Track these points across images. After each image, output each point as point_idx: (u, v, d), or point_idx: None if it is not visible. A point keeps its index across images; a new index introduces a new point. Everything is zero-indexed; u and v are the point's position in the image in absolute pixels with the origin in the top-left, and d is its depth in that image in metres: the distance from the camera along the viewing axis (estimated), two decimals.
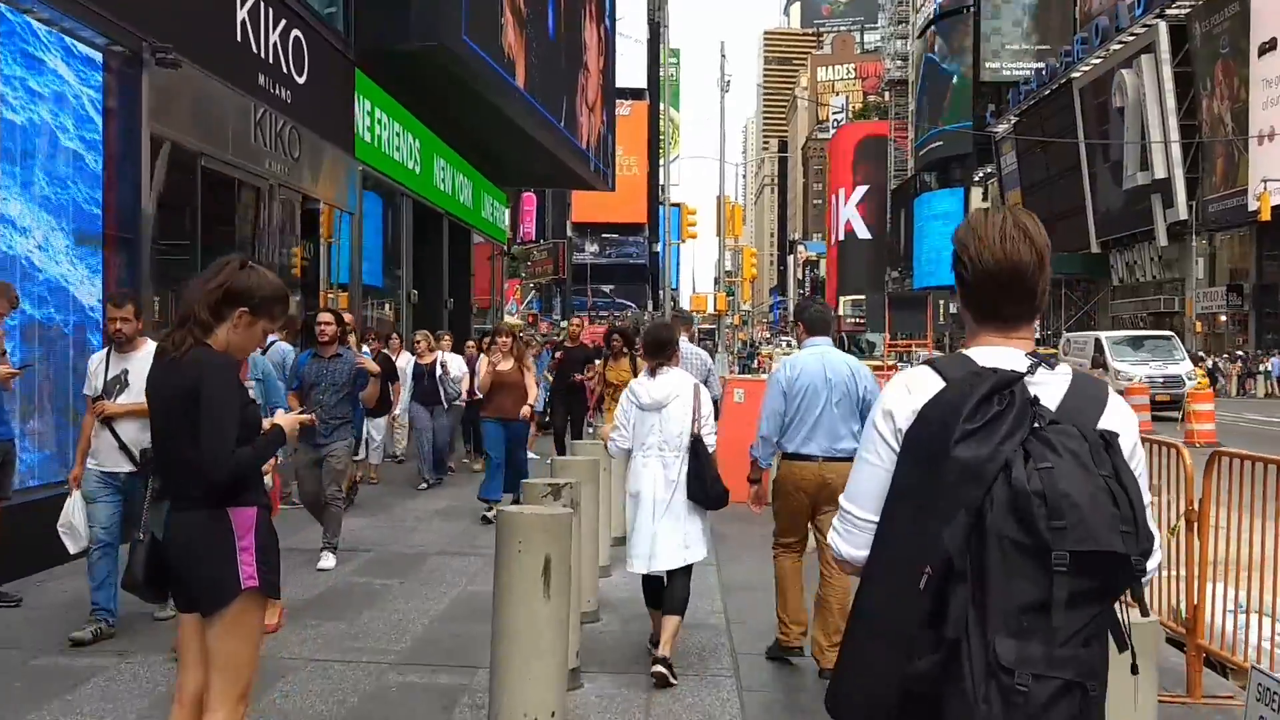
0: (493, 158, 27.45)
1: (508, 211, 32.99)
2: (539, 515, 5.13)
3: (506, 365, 12.48)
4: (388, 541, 11.22)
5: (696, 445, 7.11)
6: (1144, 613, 2.45)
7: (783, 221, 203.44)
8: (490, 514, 12.06)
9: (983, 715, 2.15)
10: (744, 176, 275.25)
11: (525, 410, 12.44)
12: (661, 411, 7.17)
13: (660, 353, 7.34)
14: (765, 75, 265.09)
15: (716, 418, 7.61)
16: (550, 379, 17.50)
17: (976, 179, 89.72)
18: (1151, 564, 2.27)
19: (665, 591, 7.10)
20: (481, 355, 14.22)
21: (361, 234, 18.00)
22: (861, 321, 71.17)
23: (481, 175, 27.61)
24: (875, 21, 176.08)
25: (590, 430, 15.37)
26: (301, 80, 15.09)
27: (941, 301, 59.40)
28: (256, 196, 14.29)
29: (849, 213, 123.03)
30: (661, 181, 53.23)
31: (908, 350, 51.44)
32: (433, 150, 22.28)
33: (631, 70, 68.48)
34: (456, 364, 15.70)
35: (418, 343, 15.60)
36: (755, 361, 53.58)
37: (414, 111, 20.67)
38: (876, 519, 2.43)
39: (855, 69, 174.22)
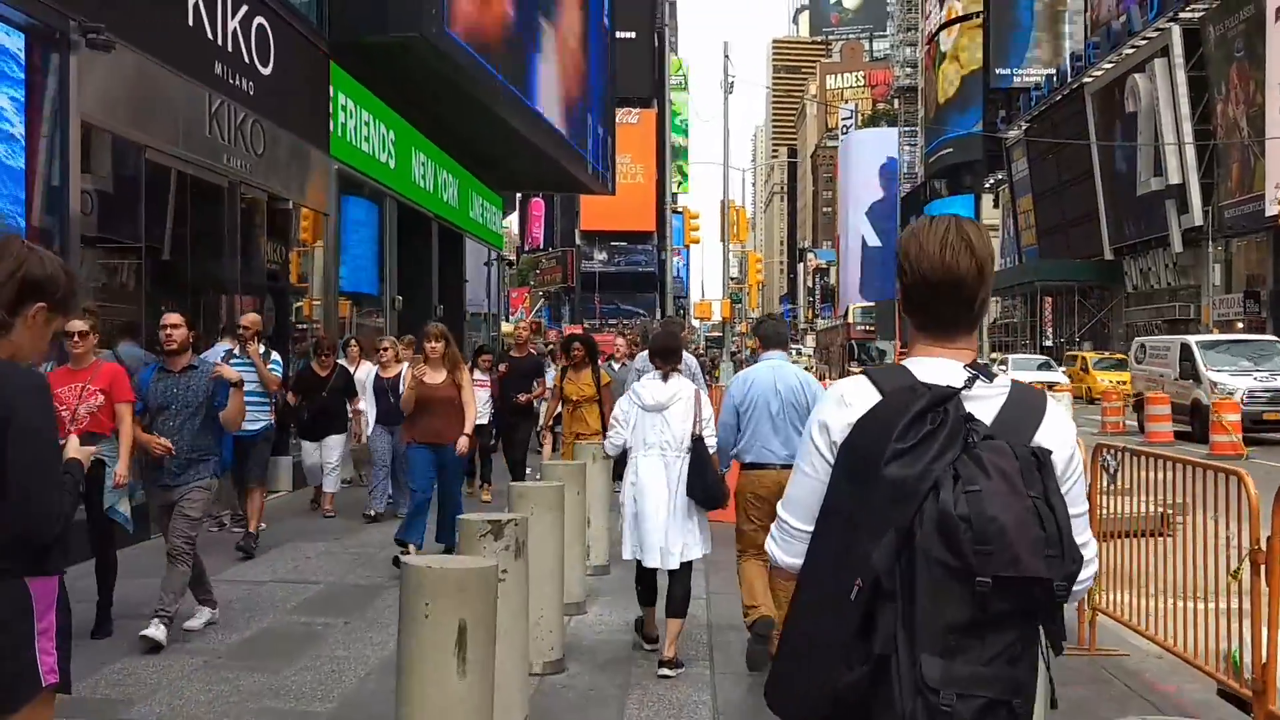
0: (484, 159, 26.46)
1: (513, 217, 31.99)
2: (451, 570, 4.08)
3: (437, 377, 10.15)
4: (340, 573, 10.13)
5: (698, 446, 7.37)
6: (1057, 650, 2.37)
7: (792, 229, 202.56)
8: (408, 555, 10.31)
9: None
10: (753, 185, 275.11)
11: (462, 442, 10.05)
12: (664, 413, 7.44)
13: (670, 358, 7.70)
14: (774, 83, 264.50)
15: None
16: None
17: (987, 185, 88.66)
18: (1081, 581, 2.37)
19: (668, 593, 7.40)
20: (405, 367, 11.72)
21: (338, 236, 16.95)
22: (872, 330, 70.00)
23: (473, 177, 26.62)
24: (884, 29, 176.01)
25: (530, 472, 12.97)
26: (267, 71, 14.09)
27: None
28: (214, 195, 13.27)
29: (858, 220, 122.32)
30: (666, 190, 52.46)
31: None
32: (418, 149, 21.29)
33: (640, 78, 67.33)
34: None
35: (383, 350, 13.27)
36: None
37: (396, 108, 19.70)
38: (811, 529, 2.47)
39: (864, 76, 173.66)
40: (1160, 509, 7.49)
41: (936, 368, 2.45)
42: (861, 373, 2.54)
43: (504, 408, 13.93)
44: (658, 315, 69.98)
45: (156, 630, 7.31)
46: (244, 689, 6.59)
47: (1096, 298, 65.12)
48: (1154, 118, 55.30)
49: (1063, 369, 45.21)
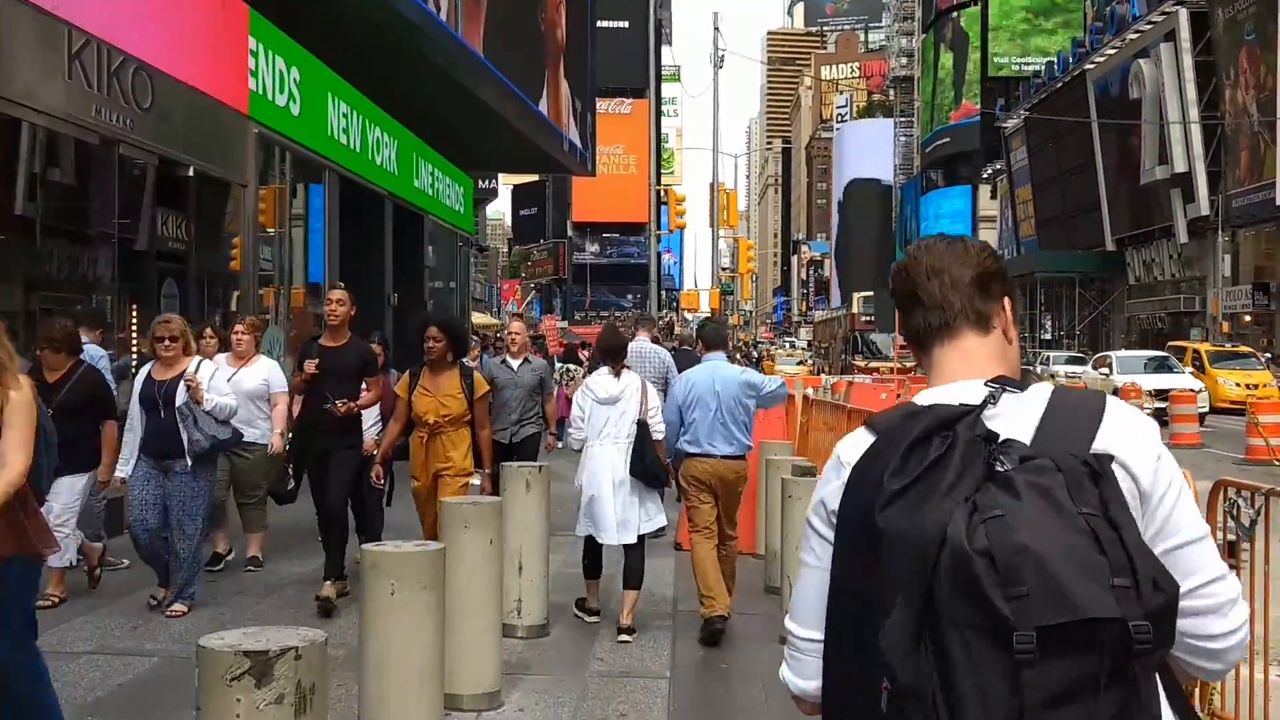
0: (447, 132, 24.49)
1: (505, 209, 30.12)
2: None
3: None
4: None
5: (641, 429, 8.19)
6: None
7: (786, 221, 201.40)
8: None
9: None
10: (747, 177, 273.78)
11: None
12: (615, 405, 8.30)
13: (617, 357, 8.50)
14: (769, 76, 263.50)
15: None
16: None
17: (985, 175, 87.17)
18: (1227, 633, 1.82)
19: (624, 566, 8.28)
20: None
21: (255, 208, 14.90)
22: (871, 320, 67.28)
23: (439, 155, 24.66)
24: (879, 20, 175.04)
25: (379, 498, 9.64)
26: (151, 8, 12.07)
27: None
28: (77, 152, 11.27)
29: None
30: (653, 184, 50.70)
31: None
32: (369, 119, 19.29)
33: (633, 68, 66.27)
34: (256, 379, 10.19)
35: (206, 338, 9.96)
36: (759, 368, 49.89)
37: (340, 70, 17.72)
38: (821, 636, 1.96)
39: (860, 68, 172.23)
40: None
41: (948, 390, 1.99)
42: (864, 421, 2.01)
43: (314, 424, 9.01)
44: (650, 307, 68.70)
45: None
46: None
47: (1096, 290, 63.71)
48: (1159, 104, 54.01)
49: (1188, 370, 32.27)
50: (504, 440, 10.26)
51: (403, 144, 21.73)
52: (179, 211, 13.14)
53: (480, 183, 40.52)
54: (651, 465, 8.16)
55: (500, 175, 48.89)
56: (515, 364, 10.92)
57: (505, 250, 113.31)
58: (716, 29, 37.64)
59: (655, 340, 14.19)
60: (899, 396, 19.12)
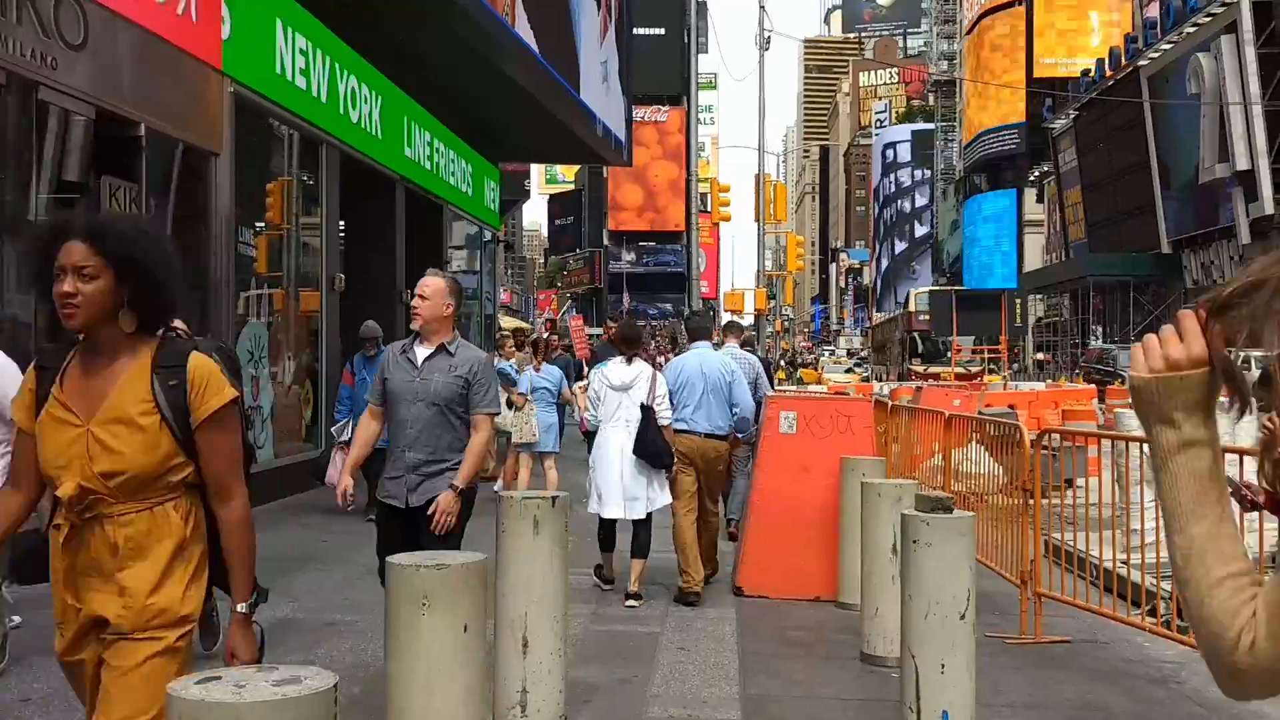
0: (474, 117, 22.46)
1: (542, 219, 28.16)
2: None
3: None
4: None
5: (646, 413, 8.97)
6: None
7: (824, 229, 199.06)
8: None
9: None
10: (788, 183, 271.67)
11: None
12: (628, 391, 9.11)
13: (633, 346, 9.48)
14: (805, 83, 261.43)
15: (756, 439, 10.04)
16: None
17: (1031, 178, 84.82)
18: None
19: (632, 539, 9.14)
20: None
21: (232, 184, 12.76)
22: (929, 319, 64.34)
23: (459, 139, 22.59)
24: (918, 26, 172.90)
25: None
26: None
27: (1017, 301, 54.03)
28: None
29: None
30: (693, 189, 48.67)
31: (983, 355, 45.72)
32: (376, 90, 17.28)
33: (669, 75, 66.01)
34: None
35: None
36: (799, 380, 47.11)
37: (351, 41, 15.74)
38: None
39: (898, 73, 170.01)
40: None
41: None
42: None
43: None
44: (686, 311, 67.16)
45: None
46: None
47: (1153, 294, 61.24)
48: (1220, 99, 51.76)
49: None
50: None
51: (420, 124, 19.65)
52: (129, 181, 10.95)
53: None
54: (652, 445, 8.86)
55: (535, 184, 46.98)
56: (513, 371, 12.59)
57: (541, 260, 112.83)
58: (762, 7, 35.54)
59: (744, 345, 13.74)
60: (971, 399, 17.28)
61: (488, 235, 27.25)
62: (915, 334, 59.87)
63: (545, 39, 21.79)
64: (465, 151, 23.10)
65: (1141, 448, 8.14)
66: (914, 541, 5.87)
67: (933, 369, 46.65)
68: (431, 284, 6.54)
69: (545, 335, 15.16)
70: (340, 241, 17.63)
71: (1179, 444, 1.65)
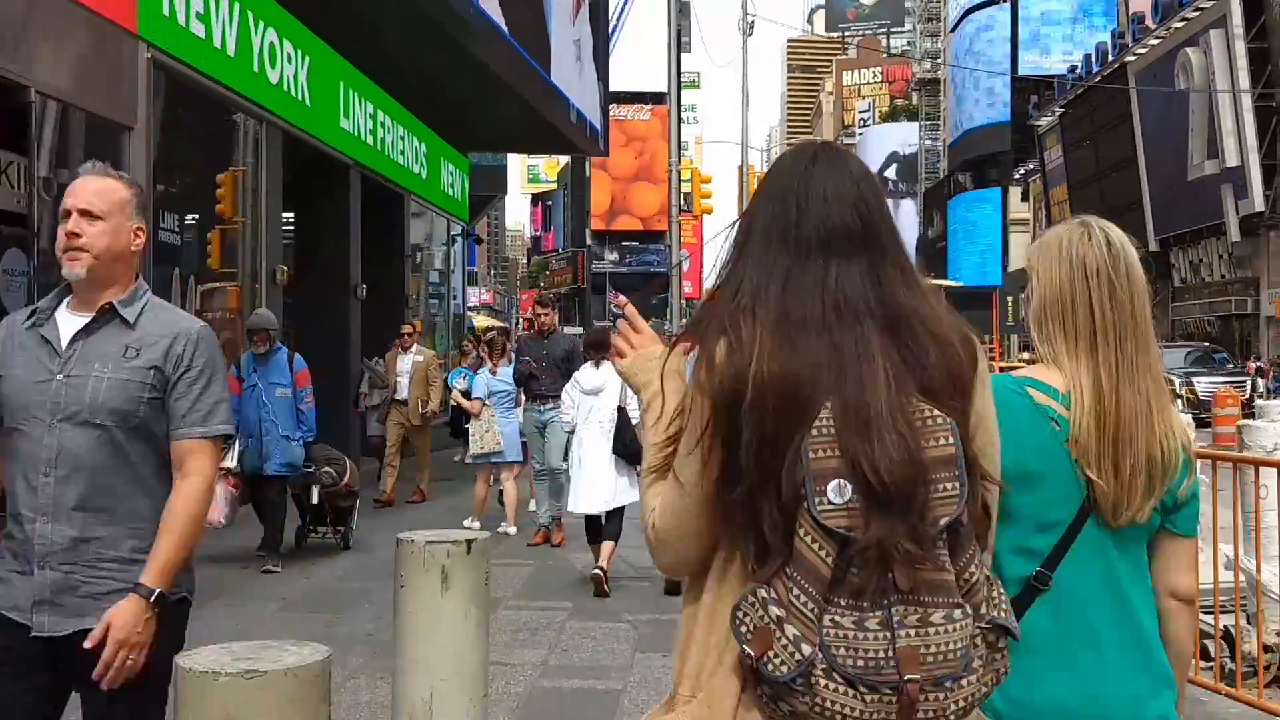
0: (439, 102, 21.28)
1: (525, 219, 26.89)
2: None
3: None
4: None
5: (621, 415, 9.78)
6: None
7: None
8: None
9: None
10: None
11: None
12: (599, 394, 9.97)
13: (600, 350, 10.05)
14: (789, 83, 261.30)
15: None
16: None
17: (1016, 177, 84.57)
18: None
19: (604, 526, 9.90)
20: None
21: (149, 162, 11.52)
22: None
23: (422, 124, 21.44)
24: (901, 25, 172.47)
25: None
26: None
27: (1010, 299, 53.37)
28: None
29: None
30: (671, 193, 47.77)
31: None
32: (322, 63, 16.08)
33: (655, 73, 64.71)
34: None
35: None
36: None
37: (304, 19, 14.62)
38: None
39: (882, 72, 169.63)
40: None
41: None
42: None
43: None
44: (670, 314, 66.84)
45: None
46: None
47: None
48: (1209, 95, 51.55)
49: None
50: None
51: (376, 104, 18.45)
52: (19, 154, 9.69)
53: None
54: (631, 445, 9.41)
55: (517, 184, 45.99)
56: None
57: (524, 260, 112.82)
58: None
59: None
60: None
61: (456, 229, 26.10)
62: None
63: (513, 14, 20.53)
64: (423, 133, 21.80)
65: None
66: None
67: None
68: (101, 187, 3.42)
69: (493, 334, 14.14)
70: (286, 232, 16.47)
71: (653, 394, 2.27)
